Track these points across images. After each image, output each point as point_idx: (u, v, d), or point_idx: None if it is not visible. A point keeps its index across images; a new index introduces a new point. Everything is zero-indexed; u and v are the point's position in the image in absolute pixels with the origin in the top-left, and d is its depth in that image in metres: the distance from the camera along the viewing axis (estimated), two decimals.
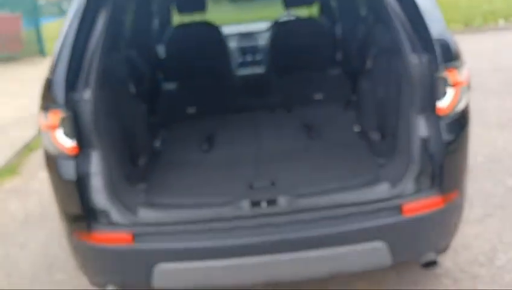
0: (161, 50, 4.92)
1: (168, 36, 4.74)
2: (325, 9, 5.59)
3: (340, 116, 3.97)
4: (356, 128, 3.63)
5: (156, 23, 5.32)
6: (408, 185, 2.49)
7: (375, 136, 3.31)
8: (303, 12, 5.69)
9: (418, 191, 2.49)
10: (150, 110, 3.90)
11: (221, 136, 3.71)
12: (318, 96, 4.16)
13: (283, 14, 5.84)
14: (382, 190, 2.52)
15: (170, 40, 4.66)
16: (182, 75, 4.72)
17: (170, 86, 4.57)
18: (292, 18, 5.06)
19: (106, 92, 2.64)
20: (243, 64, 5.74)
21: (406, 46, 2.49)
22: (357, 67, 3.88)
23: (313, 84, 4.35)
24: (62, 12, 18.88)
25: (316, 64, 4.74)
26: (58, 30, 2.59)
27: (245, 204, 2.47)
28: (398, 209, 2.46)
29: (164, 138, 3.75)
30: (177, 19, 5.60)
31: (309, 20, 4.85)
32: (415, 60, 2.46)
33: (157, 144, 3.64)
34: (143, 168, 3.20)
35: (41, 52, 13.90)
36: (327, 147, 3.34)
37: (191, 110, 4.11)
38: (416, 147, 2.48)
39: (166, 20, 5.69)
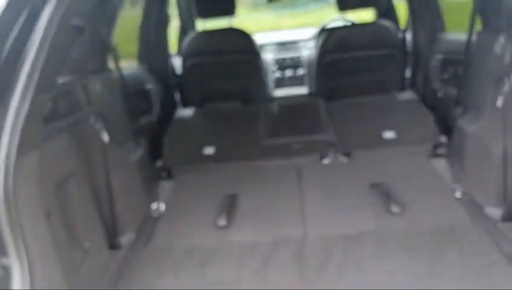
0: (176, 64, 3.79)
1: (186, 45, 3.61)
2: (389, 12, 4.29)
3: (425, 167, 2.53)
4: (458, 192, 2.24)
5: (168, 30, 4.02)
6: None
7: (494, 211, 1.99)
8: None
9: None
10: (150, 151, 2.77)
11: (247, 200, 2.36)
12: (388, 134, 2.82)
13: (331, 19, 4.60)
14: None
15: (188, 49, 3.53)
16: (199, 98, 3.58)
17: (183, 114, 3.41)
18: (346, 23, 3.80)
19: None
20: (281, 82, 4.53)
21: None
22: (459, 98, 2.58)
23: (379, 114, 3.05)
24: None
25: (382, 85, 3.47)
26: None
27: None
28: None
29: (167, 197, 2.51)
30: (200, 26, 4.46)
31: (372, 26, 3.57)
32: None
33: (156, 206, 2.43)
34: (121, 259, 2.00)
35: None
36: (425, 237, 1.91)
37: (209, 150, 2.89)
38: None
39: (187, 26, 4.55)
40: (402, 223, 1.96)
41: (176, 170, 2.73)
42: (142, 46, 3.53)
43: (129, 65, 3.55)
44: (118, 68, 2.49)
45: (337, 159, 2.67)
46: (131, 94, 3.02)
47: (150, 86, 3.31)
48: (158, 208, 2.36)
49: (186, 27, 4.56)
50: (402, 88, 3.62)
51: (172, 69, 3.81)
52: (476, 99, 2.28)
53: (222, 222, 2.08)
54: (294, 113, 3.26)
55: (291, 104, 3.47)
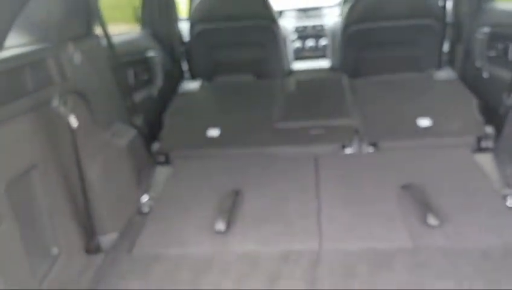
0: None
1: (194, 8, 3.17)
2: None
3: (468, 165, 2.02)
4: (510, 199, 1.74)
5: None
6: None
7: None
8: None
9: None
10: (149, 130, 2.39)
11: (253, 198, 1.91)
12: (423, 121, 2.35)
13: None
14: None
15: (196, 13, 3.11)
16: (207, 69, 3.16)
17: (188, 87, 2.99)
18: None
19: None
20: (301, 53, 4.06)
21: None
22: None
23: (413, 96, 2.58)
24: None
25: (416, 60, 2.99)
26: None
27: None
28: None
29: (160, 188, 2.10)
30: None
31: None
32: None
33: (145, 200, 2.03)
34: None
35: None
36: (472, 260, 1.46)
37: (213, 132, 2.47)
38: None
39: None
40: (441, 240, 1.55)
41: (174, 155, 2.34)
42: (144, 8, 3.10)
43: (129, 29, 3.15)
44: (106, 34, 2.08)
45: (362, 149, 2.23)
46: (128, 64, 2.61)
47: (151, 53, 2.90)
48: (149, 201, 1.98)
49: None
50: (439, 65, 3.12)
51: (180, 36, 3.38)
52: None
53: (221, 226, 1.70)
54: (313, 91, 2.80)
55: (311, 81, 3.01)
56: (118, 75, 2.26)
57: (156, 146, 2.38)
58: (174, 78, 3.14)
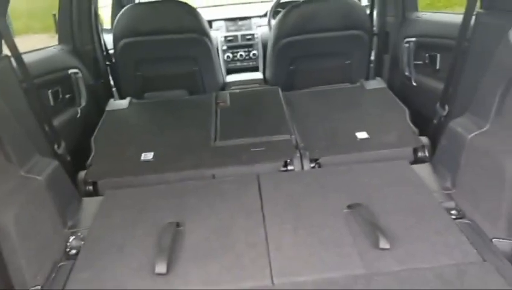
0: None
1: (117, 20, 2.92)
2: None
3: (409, 178, 1.94)
4: (453, 211, 1.71)
5: None
6: None
7: (506, 245, 1.55)
8: None
9: None
10: (73, 158, 2.13)
11: (195, 230, 1.69)
12: (360, 134, 2.30)
13: None
14: None
15: (118, 26, 2.86)
16: (136, 86, 2.93)
17: (117, 106, 2.73)
18: None
19: None
20: (233, 64, 3.93)
21: None
22: (446, 93, 2.12)
23: (348, 108, 2.54)
24: None
25: (347, 71, 2.98)
26: None
27: None
28: None
29: (88, 224, 1.82)
30: None
31: (336, 2, 2.99)
32: None
33: (71, 241, 1.74)
34: None
35: None
36: (430, 284, 1.36)
37: (147, 155, 2.24)
38: None
39: None
40: (394, 264, 1.47)
41: (103, 184, 2.09)
42: (61, 19, 2.79)
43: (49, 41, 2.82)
44: (16, 53, 1.80)
45: (304, 166, 2.13)
46: (45, 85, 2.32)
47: (73, 70, 2.62)
48: (76, 241, 1.73)
49: (121, 0, 3.81)
50: (368, 75, 3.14)
51: (104, 50, 3.10)
52: (476, 98, 1.81)
53: (161, 268, 1.50)
54: (250, 106, 2.67)
55: (246, 95, 2.88)
56: (32, 99, 1.98)
57: (82, 175, 2.12)
58: (100, 97, 2.87)
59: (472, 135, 1.75)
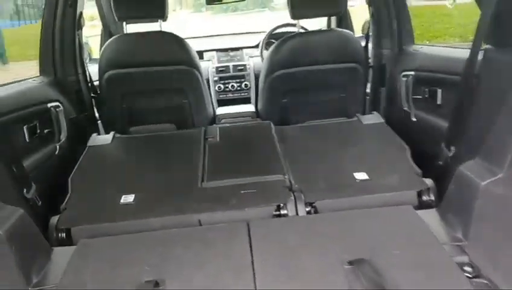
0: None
1: (102, 51, 2.73)
2: (342, 19, 3.63)
3: (414, 226, 1.68)
4: (467, 267, 1.47)
5: None
6: None
7: None
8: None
9: None
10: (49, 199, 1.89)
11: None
12: (359, 175, 2.08)
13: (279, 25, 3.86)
14: None
15: (104, 58, 2.67)
16: (121, 120, 2.73)
17: (98, 142, 2.50)
18: (297, 29, 3.06)
19: None
20: (223, 96, 3.75)
21: None
22: (452, 132, 1.93)
23: (345, 146, 2.34)
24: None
25: (342, 105, 2.81)
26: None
27: None
28: None
29: (59, 278, 1.55)
30: None
31: (331, 34, 2.84)
32: None
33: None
34: None
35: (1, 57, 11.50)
36: None
37: (127, 198, 2.00)
38: None
39: (112, 30, 3.60)
40: None
41: (77, 231, 1.84)
42: (43, 48, 2.59)
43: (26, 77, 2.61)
44: None
45: (298, 210, 1.91)
46: (19, 120, 2.10)
47: (52, 104, 2.40)
48: None
49: (110, 31, 3.64)
50: (365, 109, 2.96)
51: (91, 81, 2.90)
52: (488, 141, 1.61)
53: None
54: (241, 142, 2.46)
55: (237, 129, 2.67)
56: (1, 138, 1.75)
57: (54, 221, 1.87)
58: (83, 132, 2.64)
59: (486, 182, 1.54)
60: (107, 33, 3.62)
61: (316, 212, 1.92)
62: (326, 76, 2.81)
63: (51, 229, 1.85)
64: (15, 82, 2.40)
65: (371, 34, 3.00)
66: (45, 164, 2.18)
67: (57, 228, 1.85)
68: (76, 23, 2.62)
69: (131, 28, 2.96)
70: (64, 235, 1.85)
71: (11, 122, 1.96)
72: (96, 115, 2.96)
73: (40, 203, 1.88)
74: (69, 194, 2.03)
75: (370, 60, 3.00)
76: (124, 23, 2.84)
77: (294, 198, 1.94)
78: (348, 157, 2.22)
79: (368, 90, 3.03)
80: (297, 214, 1.90)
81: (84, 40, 3.03)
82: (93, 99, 2.90)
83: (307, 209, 1.93)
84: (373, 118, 2.66)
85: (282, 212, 1.91)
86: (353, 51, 2.75)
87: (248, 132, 2.62)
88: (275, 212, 1.92)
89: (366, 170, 2.10)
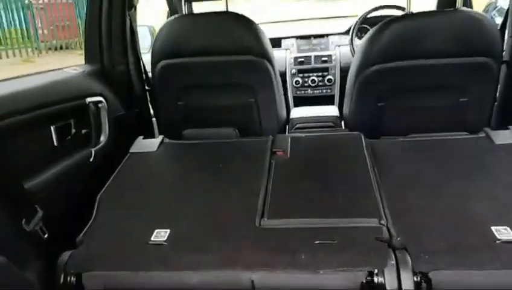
0: None
1: (156, 36, 2.24)
2: None
3: None
4: None
5: None
6: None
7: None
8: None
9: None
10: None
11: None
12: (501, 230, 1.35)
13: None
14: None
15: (158, 44, 2.18)
16: (175, 121, 2.23)
17: (141, 149, 2.00)
18: (403, 10, 2.32)
19: None
20: (301, 93, 3.14)
21: None
22: None
23: (470, 178, 1.60)
24: None
25: (462, 114, 2.05)
26: None
27: None
28: None
29: None
30: None
31: (453, 15, 2.06)
32: None
33: None
34: None
35: None
36: None
37: (160, 235, 1.47)
38: None
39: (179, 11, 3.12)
40: None
41: (89, 278, 1.36)
42: (88, 34, 2.17)
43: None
44: None
45: (403, 282, 1.24)
46: (48, 118, 1.68)
47: (94, 98, 1.97)
48: None
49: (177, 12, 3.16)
50: (492, 120, 2.16)
51: (145, 73, 2.43)
52: None
53: None
54: (318, 161, 1.82)
55: (315, 143, 2.02)
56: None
57: (64, 259, 1.40)
58: (129, 134, 2.18)
59: None
60: (174, 13, 3.16)
61: (429, 287, 1.24)
62: (440, 73, 2.05)
63: (59, 271, 1.39)
64: (51, 70, 2.00)
65: (496, 16, 2.17)
66: (72, 174, 1.75)
67: (66, 271, 1.38)
68: (127, 2, 2.14)
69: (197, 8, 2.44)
70: (74, 279, 1.38)
71: (31, 122, 1.53)
72: (151, 112, 2.50)
73: (47, 235, 1.42)
74: (91, 220, 1.56)
75: (503, 53, 2.18)
76: (184, 0, 2.33)
77: (396, 261, 1.27)
78: (479, 197, 1.49)
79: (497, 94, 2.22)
80: (400, 287, 1.24)
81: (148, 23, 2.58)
82: (147, 94, 2.44)
83: (416, 279, 1.25)
84: (509, 136, 1.87)
85: (377, 280, 1.26)
86: (487, 41, 1.96)
87: (329, 145, 1.96)
88: (365, 280, 1.28)
89: (508, 219, 1.37)
